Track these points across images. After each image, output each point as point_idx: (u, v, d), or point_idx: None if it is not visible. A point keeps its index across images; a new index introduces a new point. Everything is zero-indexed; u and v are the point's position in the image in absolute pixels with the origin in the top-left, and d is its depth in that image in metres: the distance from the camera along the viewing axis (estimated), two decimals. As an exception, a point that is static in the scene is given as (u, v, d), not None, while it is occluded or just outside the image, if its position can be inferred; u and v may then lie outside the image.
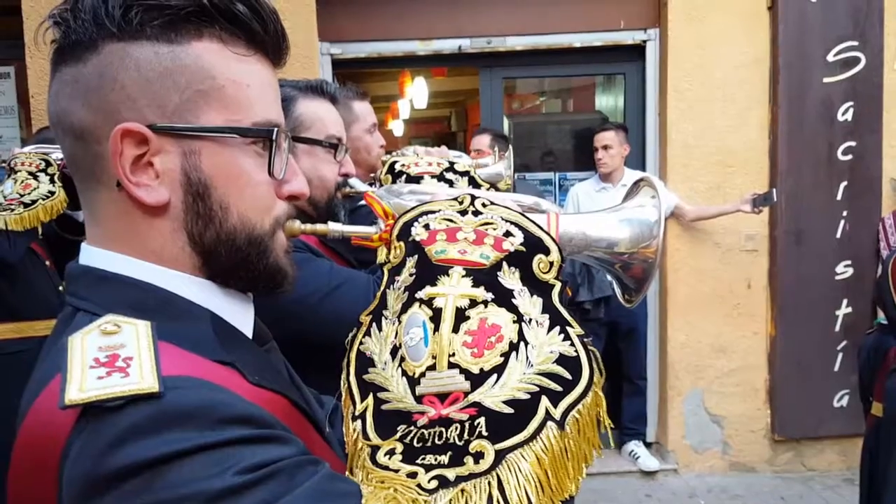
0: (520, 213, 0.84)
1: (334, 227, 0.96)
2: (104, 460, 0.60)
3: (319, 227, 0.95)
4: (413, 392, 0.76)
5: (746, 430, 4.73)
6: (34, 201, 3.02)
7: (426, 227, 0.84)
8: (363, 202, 1.95)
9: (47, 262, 3.31)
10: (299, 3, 4.27)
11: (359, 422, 0.78)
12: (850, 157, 4.49)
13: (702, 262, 4.63)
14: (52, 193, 3.06)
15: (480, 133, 4.57)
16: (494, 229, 0.83)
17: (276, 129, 0.79)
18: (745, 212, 4.32)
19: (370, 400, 0.79)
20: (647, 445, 4.85)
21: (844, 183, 4.50)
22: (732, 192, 4.53)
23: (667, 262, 4.66)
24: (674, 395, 4.70)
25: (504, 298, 0.78)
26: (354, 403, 0.80)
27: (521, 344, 0.76)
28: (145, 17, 0.72)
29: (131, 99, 0.73)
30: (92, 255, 0.78)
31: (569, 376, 0.74)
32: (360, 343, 0.84)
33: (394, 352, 0.79)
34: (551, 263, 0.80)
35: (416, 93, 7.74)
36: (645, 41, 4.69)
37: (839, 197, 4.51)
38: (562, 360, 0.75)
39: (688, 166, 4.58)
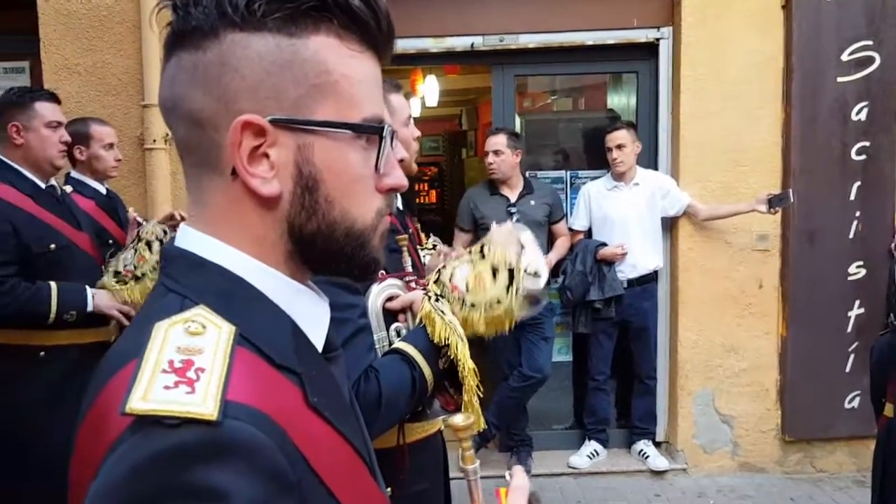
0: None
1: None
2: (142, 473, 0.60)
3: None
4: None
5: (756, 431, 4.71)
6: (143, 274, 3.20)
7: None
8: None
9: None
10: (312, 0, 4.28)
11: None
12: (863, 156, 4.46)
13: (713, 262, 4.62)
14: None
15: (496, 133, 4.54)
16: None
17: (386, 126, 0.80)
18: (761, 212, 4.30)
19: None
20: (657, 445, 4.84)
21: (858, 183, 4.48)
22: (745, 192, 4.51)
23: (678, 262, 4.65)
24: (684, 395, 4.70)
25: None
26: None
27: None
28: (267, 10, 0.73)
29: (252, 90, 0.74)
30: (191, 238, 0.78)
31: None
32: None
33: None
34: None
35: (428, 90, 7.72)
36: (658, 39, 4.68)
37: (852, 197, 4.48)
38: None
39: (700, 165, 4.57)
